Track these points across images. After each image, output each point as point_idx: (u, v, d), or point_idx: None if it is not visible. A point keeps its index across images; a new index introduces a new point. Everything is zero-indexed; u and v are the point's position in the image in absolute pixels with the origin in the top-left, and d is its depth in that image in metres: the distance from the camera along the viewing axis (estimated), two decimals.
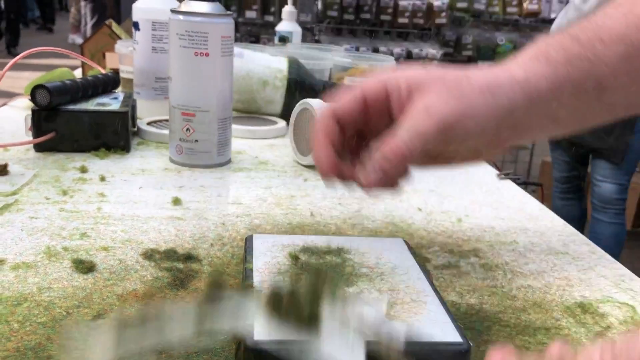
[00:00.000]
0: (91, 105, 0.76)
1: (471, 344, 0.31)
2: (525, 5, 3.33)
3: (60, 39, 8.53)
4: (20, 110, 0.95)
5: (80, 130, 0.74)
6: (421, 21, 3.34)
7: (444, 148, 0.43)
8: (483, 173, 0.81)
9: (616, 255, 2.23)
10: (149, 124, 0.87)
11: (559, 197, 2.52)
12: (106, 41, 1.26)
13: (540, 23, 3.60)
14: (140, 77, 0.92)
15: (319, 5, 3.31)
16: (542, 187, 0.89)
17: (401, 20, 3.32)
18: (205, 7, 0.69)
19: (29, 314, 0.39)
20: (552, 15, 3.33)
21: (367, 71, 1.20)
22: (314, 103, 0.75)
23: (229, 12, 0.71)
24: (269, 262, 0.36)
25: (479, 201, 0.69)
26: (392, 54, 3.28)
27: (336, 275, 0.34)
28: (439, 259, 0.53)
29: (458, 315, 0.44)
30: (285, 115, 0.98)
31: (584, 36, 0.44)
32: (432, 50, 3.31)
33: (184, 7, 0.69)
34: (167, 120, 0.89)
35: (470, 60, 3.44)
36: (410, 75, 0.43)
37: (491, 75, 0.43)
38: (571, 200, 2.50)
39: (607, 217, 2.23)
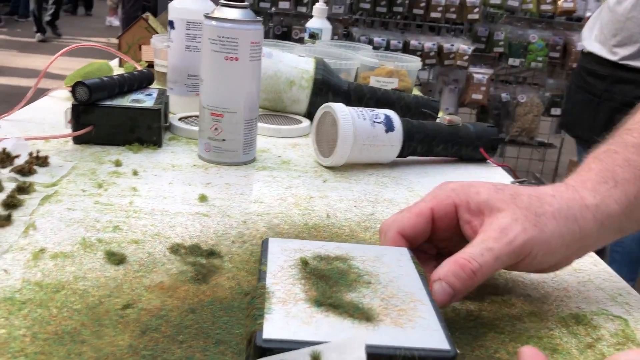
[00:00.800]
0: (127, 101, 0.81)
1: (458, 352, 0.35)
2: (560, 3, 3.29)
3: (98, 22, 8.67)
4: (60, 101, 1.01)
5: (116, 125, 0.79)
6: (454, 16, 3.32)
7: (510, 266, 0.45)
8: (499, 179, 0.84)
9: (638, 259, 2.22)
10: (180, 119, 0.91)
11: None
12: (142, 34, 1.31)
13: (574, 22, 3.55)
14: (173, 73, 0.97)
15: None
16: None
17: (433, 14, 3.31)
18: (236, 14, 0.73)
19: (66, 301, 0.44)
20: (587, 14, 3.28)
21: (392, 71, 1.22)
22: (336, 107, 0.78)
23: (258, 19, 0.74)
24: (281, 265, 0.40)
25: None
26: (423, 48, 3.28)
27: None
28: None
29: (457, 321, 0.47)
30: (310, 114, 1.02)
31: None
32: (464, 45, 3.30)
33: (216, 13, 0.73)
34: (197, 117, 0.93)
35: (501, 56, 3.42)
36: (480, 193, 0.46)
37: (564, 202, 0.45)
38: None
39: None
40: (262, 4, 3.17)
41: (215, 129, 0.76)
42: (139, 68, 1.02)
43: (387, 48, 3.25)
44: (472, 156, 0.90)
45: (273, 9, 3.22)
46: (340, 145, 0.77)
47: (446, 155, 0.89)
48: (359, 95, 1.03)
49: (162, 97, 0.86)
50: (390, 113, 0.83)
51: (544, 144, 3.71)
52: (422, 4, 3.30)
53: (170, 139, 0.86)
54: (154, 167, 0.74)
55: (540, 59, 3.36)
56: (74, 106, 0.77)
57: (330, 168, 0.80)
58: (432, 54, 3.32)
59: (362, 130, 0.78)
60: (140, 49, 1.31)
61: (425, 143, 0.85)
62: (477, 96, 3.44)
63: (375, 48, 3.25)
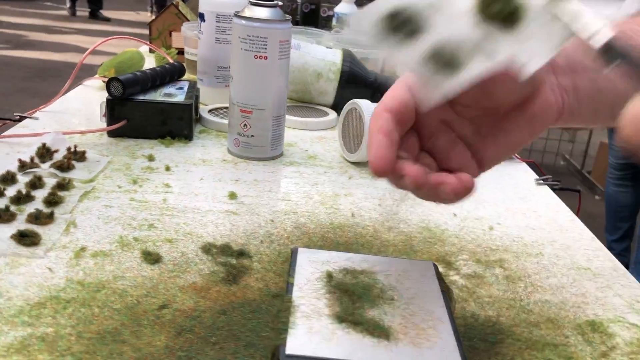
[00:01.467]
0: (159, 95, 0.83)
1: None
2: None
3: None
4: (94, 90, 1.04)
5: (148, 119, 0.81)
6: None
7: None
8: (523, 177, 0.85)
9: None
10: (210, 111, 0.94)
11: (613, 183, 2.50)
12: (173, 20, 1.32)
13: None
14: (203, 65, 0.99)
15: None
16: (580, 193, 0.92)
17: None
18: (265, 13, 0.74)
19: (107, 300, 0.47)
20: None
21: None
22: (362, 103, 0.80)
23: (287, 17, 0.76)
24: (308, 277, 0.42)
25: (513, 208, 0.73)
26: None
27: None
28: (466, 267, 0.58)
29: (475, 326, 0.49)
30: (336, 105, 1.03)
31: None
32: None
33: (246, 12, 0.75)
34: (227, 108, 0.95)
35: None
36: None
37: None
38: (625, 187, 2.47)
39: None
40: None
41: (244, 125, 0.78)
42: (170, 60, 1.04)
43: None
44: None
45: None
46: (366, 142, 0.78)
47: None
48: (386, 87, 1.03)
49: (193, 90, 0.88)
50: None
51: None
52: None
53: (200, 132, 0.88)
54: (185, 162, 0.77)
55: None
56: (108, 101, 0.80)
57: (356, 164, 0.82)
58: None
59: None
60: (170, 35, 1.33)
61: None
62: None
63: None
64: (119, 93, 0.79)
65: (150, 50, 1.36)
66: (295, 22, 3.04)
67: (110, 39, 0.99)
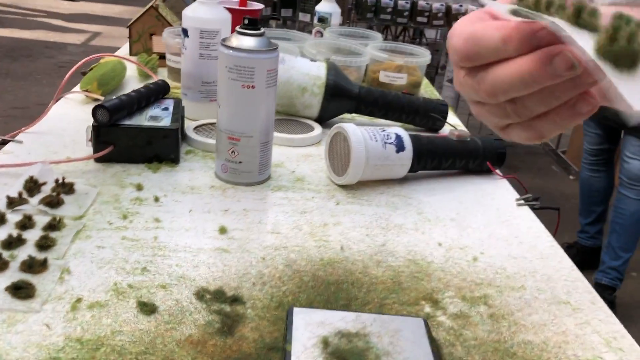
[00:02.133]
0: (145, 119, 0.83)
1: None
2: None
3: None
4: (76, 105, 1.03)
5: (135, 144, 0.81)
6: None
7: None
8: (504, 197, 0.87)
9: (638, 233, 2.27)
10: (196, 129, 0.94)
11: (587, 168, 2.55)
12: (153, 23, 1.31)
13: None
14: (187, 80, 0.98)
15: None
16: (559, 211, 0.95)
17: None
18: (252, 42, 0.74)
19: (107, 359, 0.48)
20: None
21: (401, 66, 1.23)
22: (349, 129, 0.81)
23: (274, 47, 0.76)
24: (305, 344, 0.44)
25: (496, 234, 0.76)
26: (431, 9, 3.24)
27: None
28: (452, 306, 0.60)
29: None
30: (321, 118, 1.04)
31: None
32: (472, 6, 3.26)
33: (233, 41, 0.75)
34: (212, 124, 0.95)
35: None
36: None
37: None
38: (599, 173, 2.53)
39: (634, 194, 2.26)
40: None
41: (232, 151, 0.78)
42: (154, 78, 1.04)
43: (395, 9, 3.21)
44: (479, 168, 0.93)
45: None
46: (353, 167, 0.80)
47: (454, 169, 0.91)
48: (370, 99, 1.05)
49: (178, 110, 0.88)
50: (401, 132, 0.85)
51: None
52: None
53: (187, 153, 0.88)
54: (174, 190, 0.77)
55: None
56: (94, 127, 0.80)
57: (343, 186, 0.83)
58: (440, 14, 3.28)
59: (374, 151, 0.81)
60: (151, 37, 1.31)
61: (434, 159, 0.88)
62: None
63: (382, 9, 3.22)
64: (106, 120, 0.78)
65: (131, 52, 1.35)
66: (273, 5, 3.02)
67: (93, 57, 0.97)
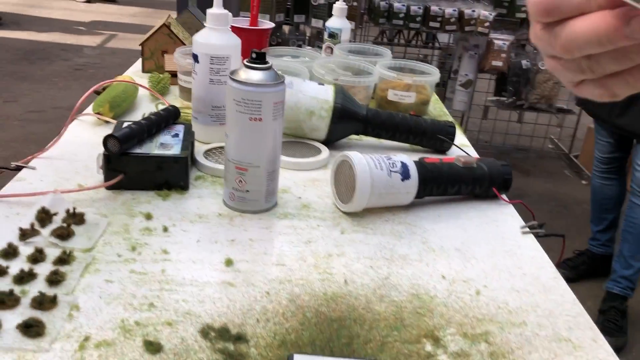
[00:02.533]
0: (155, 146, 0.85)
1: None
2: None
3: None
4: (89, 127, 1.04)
5: (145, 172, 0.83)
6: None
7: None
8: (509, 224, 0.87)
9: None
10: (206, 153, 0.95)
11: (598, 176, 2.54)
12: (165, 40, 1.33)
13: None
14: (198, 104, 1.00)
15: None
16: (564, 237, 0.95)
17: None
18: (260, 76, 0.75)
19: None
20: None
21: (410, 85, 1.24)
22: (354, 158, 0.82)
23: (281, 80, 0.77)
24: None
25: (499, 265, 0.76)
26: (444, 14, 3.23)
27: None
28: (453, 344, 0.61)
29: None
30: (329, 141, 1.05)
31: None
32: (485, 11, 3.24)
33: (241, 74, 0.76)
34: (222, 148, 0.97)
35: (522, 22, 3.36)
36: None
37: None
38: (610, 181, 2.51)
39: None
40: None
41: (240, 181, 0.80)
42: (165, 103, 1.05)
43: (407, 14, 3.20)
44: (485, 194, 0.93)
45: None
46: (358, 196, 0.81)
47: (460, 194, 0.92)
48: (377, 121, 1.06)
49: (188, 137, 0.89)
50: (407, 160, 0.86)
51: (563, 110, 3.68)
52: None
53: (196, 179, 0.90)
54: (182, 219, 0.78)
55: None
56: (105, 156, 0.81)
57: (348, 213, 0.84)
58: (452, 20, 3.27)
59: (379, 180, 0.82)
60: (163, 55, 1.33)
61: (440, 186, 0.89)
62: (497, 63, 3.40)
63: (395, 14, 3.21)
64: (116, 149, 0.80)
65: (143, 69, 1.36)
66: (287, 10, 3.03)
67: (110, 82, 0.99)
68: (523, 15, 3.36)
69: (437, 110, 1.35)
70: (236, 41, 0.98)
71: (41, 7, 6.10)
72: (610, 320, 2.22)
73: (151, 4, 6.68)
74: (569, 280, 2.54)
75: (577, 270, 2.55)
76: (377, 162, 0.83)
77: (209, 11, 0.95)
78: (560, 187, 3.45)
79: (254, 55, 0.76)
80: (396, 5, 3.21)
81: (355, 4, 3.00)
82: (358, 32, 3.24)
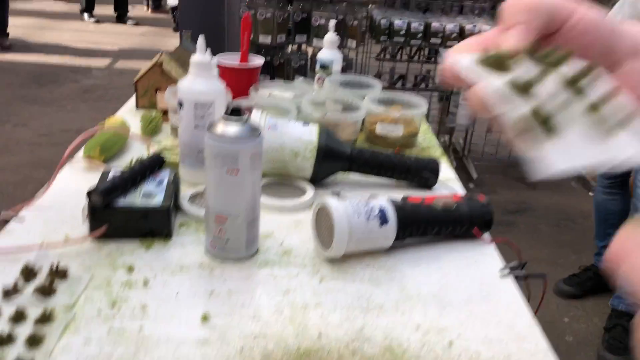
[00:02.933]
0: (138, 196, 0.87)
1: None
2: None
3: None
4: (79, 173, 1.07)
5: (129, 222, 0.85)
6: None
7: None
8: (489, 266, 0.88)
9: None
10: (191, 198, 0.97)
11: (602, 191, 2.52)
12: (157, 79, 1.35)
13: (598, 3, 3.45)
14: (184, 148, 1.02)
15: None
16: (546, 278, 0.96)
17: None
18: (236, 129, 0.77)
19: None
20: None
21: (398, 118, 1.25)
22: (332, 206, 0.83)
23: (258, 132, 0.79)
24: None
25: (475, 312, 0.77)
26: (444, 30, 3.25)
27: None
28: None
29: None
30: (314, 180, 1.06)
31: None
32: (486, 26, 3.25)
33: (219, 127, 0.78)
34: None
35: None
36: None
37: None
38: (613, 196, 2.50)
39: None
40: None
41: (220, 230, 0.82)
42: (151, 151, 1.07)
43: (408, 31, 3.22)
44: (467, 233, 0.94)
45: None
46: (336, 242, 0.82)
47: (440, 235, 0.93)
48: (361, 160, 1.07)
49: (172, 186, 0.91)
50: (385, 204, 0.87)
51: None
52: None
53: (180, 226, 0.92)
54: (164, 270, 0.80)
55: None
56: (89, 208, 0.83)
57: (329, 261, 0.86)
58: (453, 35, 3.28)
59: (357, 226, 0.83)
60: (156, 92, 1.36)
61: (420, 228, 0.90)
62: None
63: (395, 32, 3.23)
64: (100, 203, 0.82)
65: (137, 105, 1.39)
66: (288, 31, 3.06)
67: (95, 131, 1.01)
68: None
69: (426, 141, 1.36)
70: (220, 87, 1.00)
71: (52, 29, 6.19)
72: (616, 338, 2.21)
73: (159, 23, 6.76)
74: (575, 296, 2.53)
75: (583, 286, 2.54)
76: (355, 209, 0.84)
77: (192, 58, 0.98)
78: (567, 199, 3.43)
79: (229, 111, 0.78)
80: (397, 22, 3.23)
81: (355, 22, 3.02)
82: (360, 50, 3.26)
